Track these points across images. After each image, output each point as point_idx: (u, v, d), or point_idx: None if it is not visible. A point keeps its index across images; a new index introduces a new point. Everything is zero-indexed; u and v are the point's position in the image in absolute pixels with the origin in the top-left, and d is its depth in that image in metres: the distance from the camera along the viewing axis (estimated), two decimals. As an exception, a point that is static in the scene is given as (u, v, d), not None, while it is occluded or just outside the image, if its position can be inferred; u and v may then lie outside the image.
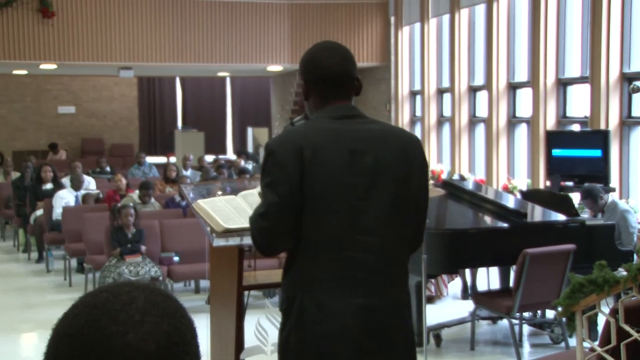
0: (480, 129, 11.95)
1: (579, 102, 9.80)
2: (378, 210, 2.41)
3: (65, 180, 10.52)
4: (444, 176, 11.72)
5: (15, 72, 16.70)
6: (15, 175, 12.00)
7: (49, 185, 10.26)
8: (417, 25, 13.64)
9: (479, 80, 11.94)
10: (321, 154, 2.38)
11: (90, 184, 10.66)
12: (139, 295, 1.09)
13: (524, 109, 10.83)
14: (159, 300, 1.10)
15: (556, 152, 8.76)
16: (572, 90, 9.92)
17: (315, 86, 2.52)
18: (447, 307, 7.26)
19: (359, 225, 2.40)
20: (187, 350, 1.08)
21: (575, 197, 7.51)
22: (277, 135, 2.64)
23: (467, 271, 7.34)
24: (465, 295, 7.48)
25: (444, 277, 7.41)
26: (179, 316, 1.11)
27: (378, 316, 2.41)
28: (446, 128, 12.99)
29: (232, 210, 3.26)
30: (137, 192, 9.13)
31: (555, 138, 9.04)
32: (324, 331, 2.38)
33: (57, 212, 9.28)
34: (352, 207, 2.40)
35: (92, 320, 1.06)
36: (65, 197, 9.55)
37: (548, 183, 8.92)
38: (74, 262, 9.03)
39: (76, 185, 9.88)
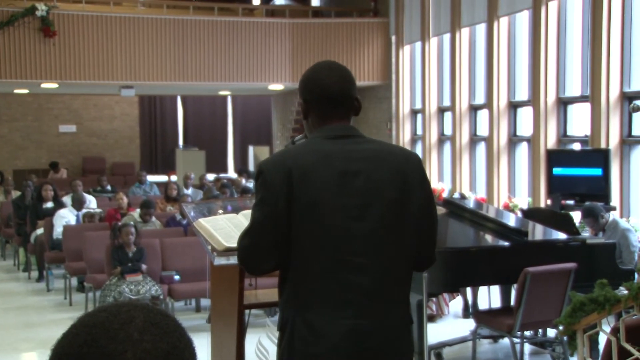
0: (481, 148, 11.97)
1: (579, 121, 9.82)
2: (371, 230, 2.40)
3: (66, 199, 10.52)
4: (444, 195, 11.72)
5: (16, 91, 16.76)
6: (15, 194, 12.02)
7: (49, 204, 10.26)
8: (418, 44, 13.70)
9: (480, 99, 11.98)
10: (310, 175, 2.38)
11: (91, 202, 10.67)
12: (138, 315, 1.10)
13: (525, 127, 10.86)
14: (157, 320, 1.11)
15: (557, 170, 8.77)
16: (572, 109, 9.94)
17: (315, 106, 2.52)
18: (449, 325, 7.23)
19: (351, 246, 2.39)
20: None
21: (576, 216, 7.51)
22: (270, 156, 2.65)
23: (468, 290, 7.33)
24: (466, 313, 7.46)
25: (445, 295, 7.39)
26: (178, 335, 1.11)
27: (369, 338, 2.39)
28: (447, 147, 13.01)
29: (234, 228, 3.27)
30: (138, 210, 9.14)
31: (556, 157, 9.05)
32: (314, 352, 2.37)
33: (58, 231, 9.28)
34: (344, 228, 2.38)
35: (91, 339, 1.06)
36: (66, 216, 9.55)
37: (549, 202, 8.92)
38: (74, 281, 9.02)
39: (78, 205, 9.88)
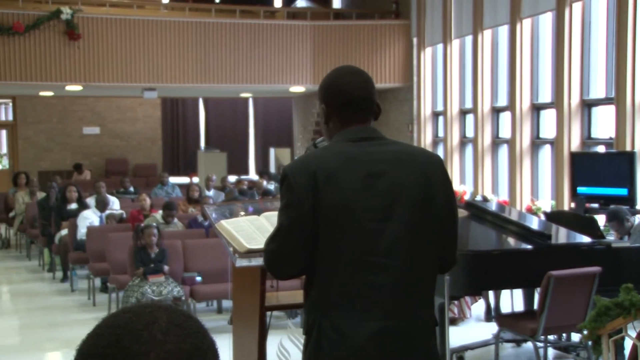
0: (504, 150, 11.90)
1: (604, 123, 9.73)
2: (396, 232, 2.40)
3: (90, 200, 10.60)
4: (466, 197, 11.67)
5: (41, 93, 16.92)
6: (40, 195, 12.12)
7: (73, 205, 10.34)
8: (440, 46, 13.65)
9: (502, 101, 11.91)
10: (335, 177, 2.39)
11: (114, 204, 10.74)
12: (161, 316, 1.11)
13: (548, 130, 10.78)
14: (180, 321, 1.12)
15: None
16: (596, 111, 9.86)
17: (337, 110, 2.53)
18: (471, 329, 7.19)
19: (376, 248, 2.39)
20: None
21: (601, 219, 7.44)
22: (293, 160, 2.66)
23: (491, 293, 7.28)
24: (488, 317, 7.42)
25: (467, 298, 7.35)
26: (201, 336, 1.12)
27: (396, 339, 2.39)
28: (469, 149, 12.95)
29: (255, 230, 3.27)
30: (160, 212, 9.18)
31: (580, 159, 8.98)
32: (341, 355, 2.37)
33: (82, 232, 9.35)
34: (369, 230, 2.39)
35: (115, 340, 1.08)
36: (90, 217, 9.62)
37: (573, 205, 8.85)
38: (97, 282, 9.09)
39: (101, 206, 9.96)
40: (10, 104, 19.80)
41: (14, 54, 13.16)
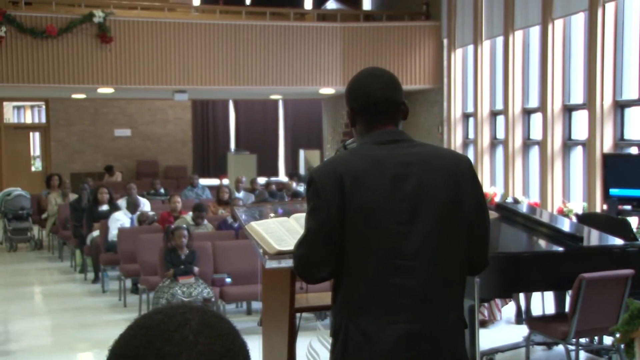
0: (535, 152, 11.80)
1: (637, 124, 9.60)
2: (423, 234, 2.39)
3: (121, 202, 10.70)
4: (497, 199, 11.58)
5: (74, 96, 17.13)
6: (72, 196, 12.25)
7: (105, 207, 10.44)
8: (471, 47, 13.58)
9: (534, 102, 11.81)
10: (362, 180, 2.39)
11: (145, 205, 10.83)
12: (193, 317, 1.12)
13: (580, 131, 10.67)
14: (212, 322, 1.12)
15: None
16: (629, 112, 9.73)
17: (361, 113, 2.54)
18: (501, 331, 7.14)
19: (403, 251, 2.38)
20: None
21: (634, 222, 7.34)
22: (321, 163, 2.66)
23: (521, 295, 7.22)
24: (519, 319, 7.36)
25: (498, 301, 7.30)
26: (232, 337, 1.12)
27: (422, 342, 2.38)
28: (499, 151, 12.86)
29: (285, 232, 3.28)
30: (190, 213, 9.24)
31: (612, 161, 8.87)
32: (368, 358, 2.37)
33: (113, 234, 9.44)
34: (395, 233, 2.38)
35: (147, 341, 1.09)
36: (121, 219, 9.71)
37: (605, 207, 8.75)
38: (128, 283, 9.16)
39: (132, 208, 10.04)
40: (43, 107, 20.07)
41: (47, 58, 13.34)
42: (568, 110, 10.92)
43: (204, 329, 1.10)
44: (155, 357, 1.07)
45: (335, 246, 2.39)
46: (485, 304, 7.06)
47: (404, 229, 2.38)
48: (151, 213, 10.16)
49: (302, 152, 20.60)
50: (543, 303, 7.08)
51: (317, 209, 2.41)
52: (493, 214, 6.18)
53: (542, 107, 11.07)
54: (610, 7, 9.66)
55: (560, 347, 6.16)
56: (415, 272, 2.38)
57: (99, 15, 13.41)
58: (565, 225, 6.20)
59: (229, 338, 1.12)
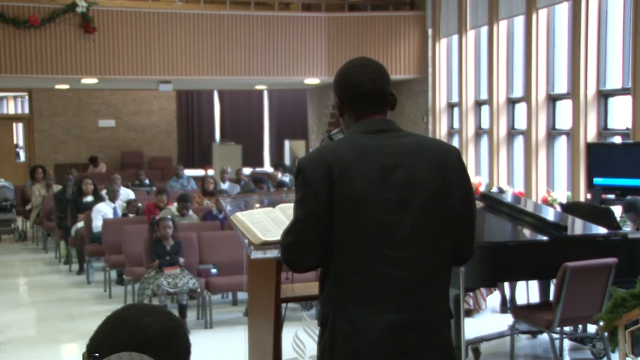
0: (519, 141, 11.85)
1: (620, 113, 9.66)
2: (411, 224, 2.39)
3: (105, 193, 10.64)
4: (482, 189, 11.63)
5: (57, 86, 17.01)
6: (57, 188, 12.19)
7: (89, 198, 10.39)
8: (455, 37, 13.59)
9: (518, 92, 11.85)
10: (350, 170, 2.38)
11: (129, 196, 10.78)
12: (156, 320, 1.67)
13: (564, 120, 10.72)
14: (171, 324, 1.68)
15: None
16: (613, 101, 9.79)
17: (349, 103, 2.53)
18: (486, 320, 7.18)
19: (391, 241, 2.38)
20: (184, 345, 1.66)
21: (617, 210, 7.40)
22: (308, 153, 2.65)
23: (506, 284, 7.26)
24: (504, 308, 7.40)
25: (483, 290, 7.34)
26: (184, 332, 1.69)
27: (410, 332, 2.39)
28: (484, 140, 12.91)
29: (270, 222, 3.28)
30: (175, 204, 9.21)
31: (596, 150, 8.92)
32: (355, 348, 2.37)
33: (97, 225, 9.40)
34: (383, 223, 2.38)
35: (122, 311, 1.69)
36: (103, 210, 9.67)
37: (589, 196, 8.80)
38: (113, 274, 9.14)
39: (112, 196, 9.99)
40: (27, 97, 19.91)
41: (30, 48, 13.23)
42: (552, 99, 10.96)
43: (163, 319, 1.68)
44: (126, 319, 1.64)
45: (323, 235, 2.39)
46: (471, 293, 7.09)
47: (392, 219, 2.38)
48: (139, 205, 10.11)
49: (287, 143, 20.58)
50: (528, 292, 7.13)
51: (306, 198, 2.40)
52: (478, 204, 6.20)
53: (527, 97, 11.11)
54: (594, -3, 9.70)
55: (544, 336, 6.20)
56: (403, 262, 2.38)
57: (82, 5, 13.30)
58: (550, 215, 6.23)
59: (176, 319, 1.70)
